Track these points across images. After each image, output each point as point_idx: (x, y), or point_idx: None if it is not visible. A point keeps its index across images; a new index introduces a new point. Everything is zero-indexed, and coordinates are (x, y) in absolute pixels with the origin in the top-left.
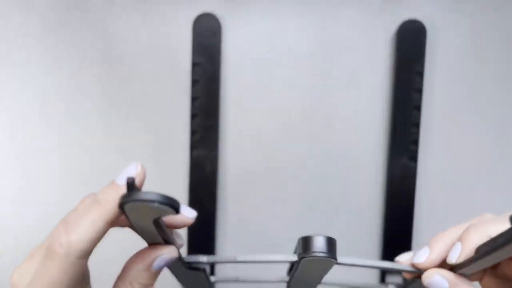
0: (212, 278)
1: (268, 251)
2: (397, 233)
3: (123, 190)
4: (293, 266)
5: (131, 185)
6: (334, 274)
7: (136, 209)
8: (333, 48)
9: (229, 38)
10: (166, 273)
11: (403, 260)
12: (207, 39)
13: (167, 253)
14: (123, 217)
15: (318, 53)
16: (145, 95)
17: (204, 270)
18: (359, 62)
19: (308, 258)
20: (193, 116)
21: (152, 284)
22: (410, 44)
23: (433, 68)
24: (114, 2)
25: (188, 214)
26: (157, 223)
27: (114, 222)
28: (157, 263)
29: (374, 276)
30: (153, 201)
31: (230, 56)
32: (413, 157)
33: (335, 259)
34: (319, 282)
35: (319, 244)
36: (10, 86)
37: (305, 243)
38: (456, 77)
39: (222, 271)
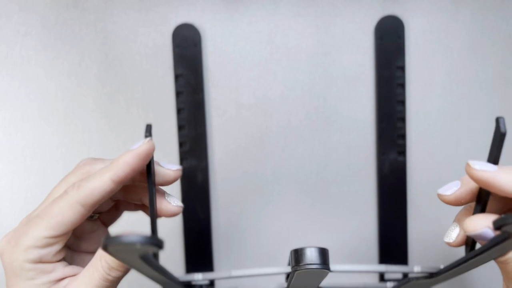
0: None
1: (265, 258)
2: (391, 231)
3: (136, 153)
4: (289, 274)
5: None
6: (332, 275)
7: (119, 251)
8: (327, 47)
9: (211, 48)
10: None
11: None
12: (187, 50)
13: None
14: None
15: (311, 55)
16: (136, 103)
17: (201, 286)
18: (352, 60)
19: (301, 271)
20: (180, 127)
21: (119, 270)
22: (389, 40)
23: (415, 62)
24: (113, 2)
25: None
26: (145, 258)
27: (121, 183)
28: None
29: (373, 275)
30: (134, 243)
31: (214, 65)
32: (402, 152)
33: (328, 269)
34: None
35: (311, 256)
36: (9, 85)
37: (297, 255)
38: (440, 71)
39: (221, 283)
